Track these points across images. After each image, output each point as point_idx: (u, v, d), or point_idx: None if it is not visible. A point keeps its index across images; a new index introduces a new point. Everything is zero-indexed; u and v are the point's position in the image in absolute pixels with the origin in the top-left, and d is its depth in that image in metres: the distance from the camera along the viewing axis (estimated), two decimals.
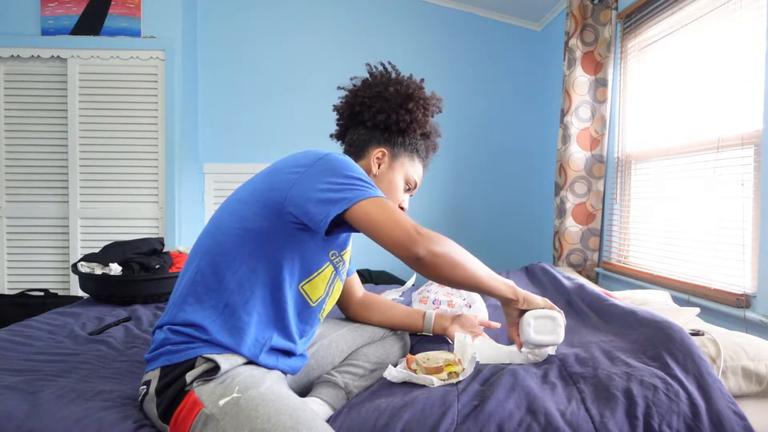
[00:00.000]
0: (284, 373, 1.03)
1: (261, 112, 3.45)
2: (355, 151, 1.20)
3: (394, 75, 1.22)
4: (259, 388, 0.88)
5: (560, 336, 1.08)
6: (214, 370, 0.90)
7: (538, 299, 1.10)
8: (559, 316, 1.08)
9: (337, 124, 1.28)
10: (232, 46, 3.43)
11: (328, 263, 1.05)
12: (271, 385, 0.91)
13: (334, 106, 1.27)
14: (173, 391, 0.89)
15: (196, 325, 0.94)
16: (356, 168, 0.99)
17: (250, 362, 0.96)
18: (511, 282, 1.08)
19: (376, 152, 1.17)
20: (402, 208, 1.22)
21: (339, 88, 1.26)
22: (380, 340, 1.30)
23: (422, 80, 1.24)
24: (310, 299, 1.04)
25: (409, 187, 1.22)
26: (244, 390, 0.87)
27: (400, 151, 1.19)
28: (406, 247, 0.90)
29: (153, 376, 0.93)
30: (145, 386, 0.94)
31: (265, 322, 0.98)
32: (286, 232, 0.96)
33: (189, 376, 0.89)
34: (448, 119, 3.71)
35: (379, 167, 1.17)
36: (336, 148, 1.25)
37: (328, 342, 1.22)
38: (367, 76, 1.23)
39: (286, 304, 0.99)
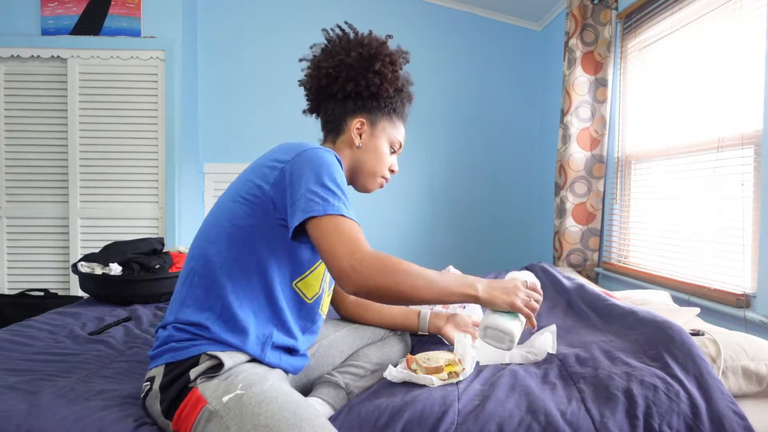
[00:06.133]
0: (286, 372, 1.03)
1: (261, 112, 3.45)
2: (334, 127, 1.16)
3: (352, 35, 1.16)
4: (262, 385, 0.88)
5: (507, 346, 0.99)
6: (218, 367, 0.90)
7: (500, 301, 0.98)
8: (511, 332, 0.98)
9: (308, 99, 1.23)
10: (232, 46, 3.43)
11: (320, 261, 1.04)
12: (274, 382, 0.91)
13: (299, 81, 1.22)
14: (177, 387, 0.89)
15: (198, 325, 0.94)
16: (330, 171, 0.94)
17: (253, 360, 0.96)
18: (473, 281, 0.97)
19: (355, 123, 1.14)
20: (392, 171, 1.20)
21: (300, 60, 1.21)
22: (380, 341, 1.30)
23: (387, 36, 1.16)
24: (306, 296, 1.04)
25: (395, 150, 1.20)
26: (248, 387, 0.88)
27: (378, 116, 1.15)
28: (339, 280, 0.88)
29: (157, 372, 0.93)
30: (148, 383, 0.94)
31: (262, 319, 0.98)
32: (275, 229, 0.96)
33: (193, 373, 0.89)
34: (447, 119, 3.72)
35: (361, 137, 1.15)
36: (313, 124, 1.22)
37: (328, 343, 1.22)
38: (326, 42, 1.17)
39: (281, 302, 0.99)
